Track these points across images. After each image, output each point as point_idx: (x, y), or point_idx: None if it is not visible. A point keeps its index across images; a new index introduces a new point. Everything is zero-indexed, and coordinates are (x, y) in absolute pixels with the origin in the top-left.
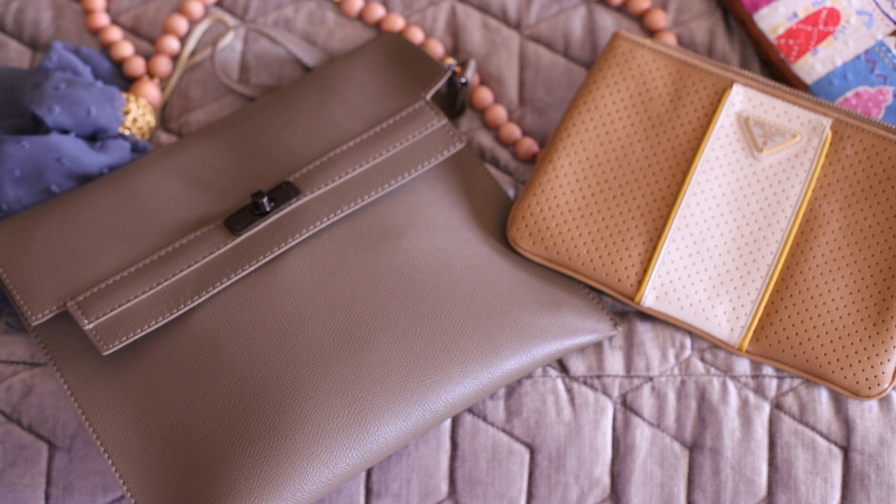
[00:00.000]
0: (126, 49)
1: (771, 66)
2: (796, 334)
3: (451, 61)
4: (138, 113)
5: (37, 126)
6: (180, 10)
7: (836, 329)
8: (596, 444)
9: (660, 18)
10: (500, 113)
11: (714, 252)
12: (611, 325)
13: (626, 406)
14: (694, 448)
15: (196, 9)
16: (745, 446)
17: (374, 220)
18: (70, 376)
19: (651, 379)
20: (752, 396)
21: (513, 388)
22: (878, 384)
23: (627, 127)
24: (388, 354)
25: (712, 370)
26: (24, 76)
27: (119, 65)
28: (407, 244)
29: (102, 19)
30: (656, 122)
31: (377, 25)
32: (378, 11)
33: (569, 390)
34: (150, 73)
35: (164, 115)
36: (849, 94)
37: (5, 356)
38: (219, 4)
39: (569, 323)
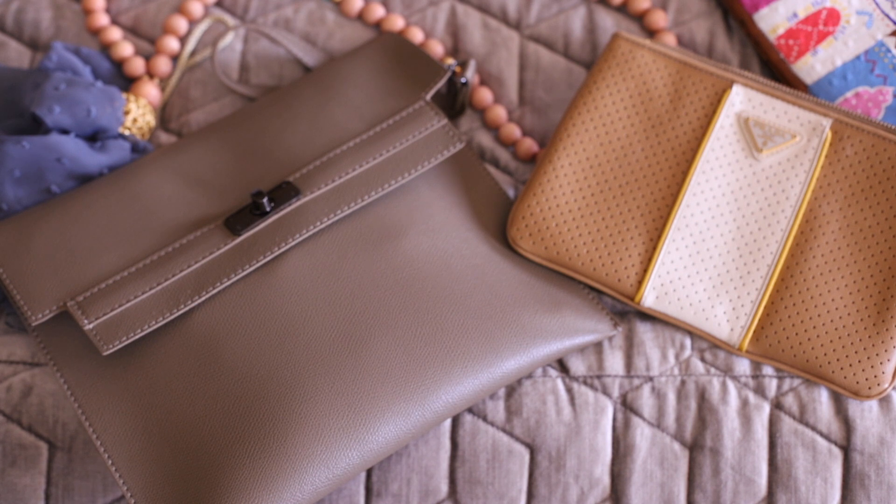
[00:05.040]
0: (126, 49)
1: (771, 66)
2: (796, 334)
3: (451, 61)
4: (138, 113)
5: (37, 126)
6: (180, 10)
7: (836, 329)
8: (596, 444)
9: (660, 18)
10: (500, 113)
11: (714, 252)
12: (611, 325)
13: (626, 406)
14: (694, 448)
15: (196, 9)
16: (745, 446)
17: (375, 221)
18: (70, 376)
19: (651, 379)
20: (752, 396)
21: (513, 388)
22: (878, 384)
23: (627, 127)
24: (388, 354)
25: (712, 370)
26: (24, 76)
27: (119, 65)
28: (407, 244)
29: (102, 19)
30: (656, 123)
31: (377, 25)
32: (378, 11)
33: (569, 390)
34: (150, 73)
35: (164, 115)
36: (849, 94)
37: (5, 356)
38: (219, 4)
39: (569, 323)
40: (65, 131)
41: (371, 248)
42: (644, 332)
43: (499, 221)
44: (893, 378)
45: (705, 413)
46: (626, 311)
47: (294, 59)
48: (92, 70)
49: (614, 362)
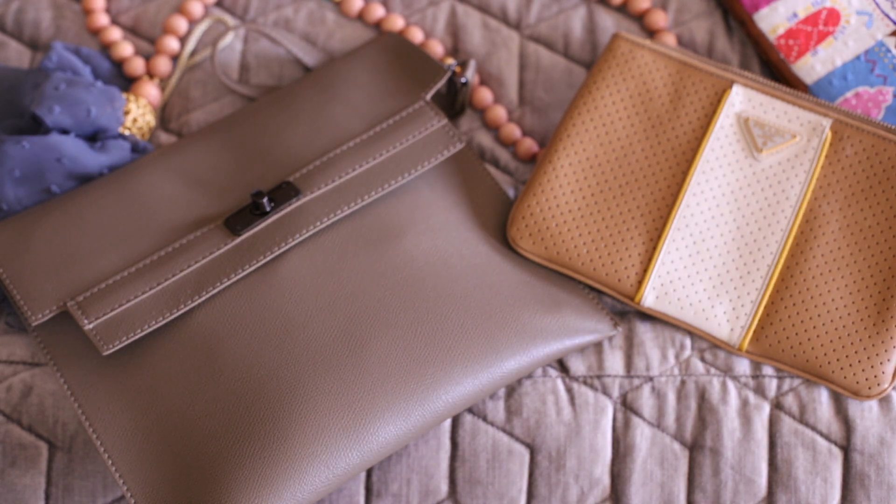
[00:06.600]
0: (126, 49)
1: (771, 66)
2: (796, 334)
3: (451, 61)
4: (138, 113)
5: (37, 126)
6: (180, 10)
7: (836, 329)
8: (596, 444)
9: (660, 18)
10: (500, 113)
11: (714, 252)
12: (611, 325)
13: (626, 406)
14: (694, 448)
15: (196, 9)
16: (745, 446)
17: (375, 221)
18: (70, 376)
19: (651, 379)
20: (752, 396)
21: (513, 388)
22: (878, 384)
23: (627, 127)
24: (388, 354)
25: (712, 370)
26: (24, 76)
27: (119, 65)
28: (407, 244)
29: (102, 19)
30: (656, 123)
31: (377, 25)
32: (378, 11)
33: (569, 390)
34: (150, 73)
35: (164, 115)
36: (849, 94)
37: (5, 356)
38: (219, 4)
39: (569, 323)
40: (65, 131)
41: (371, 247)
42: (644, 332)
43: (499, 221)
44: (893, 378)
45: (705, 413)
46: (626, 311)
47: (294, 59)
48: (92, 70)
49: (614, 362)
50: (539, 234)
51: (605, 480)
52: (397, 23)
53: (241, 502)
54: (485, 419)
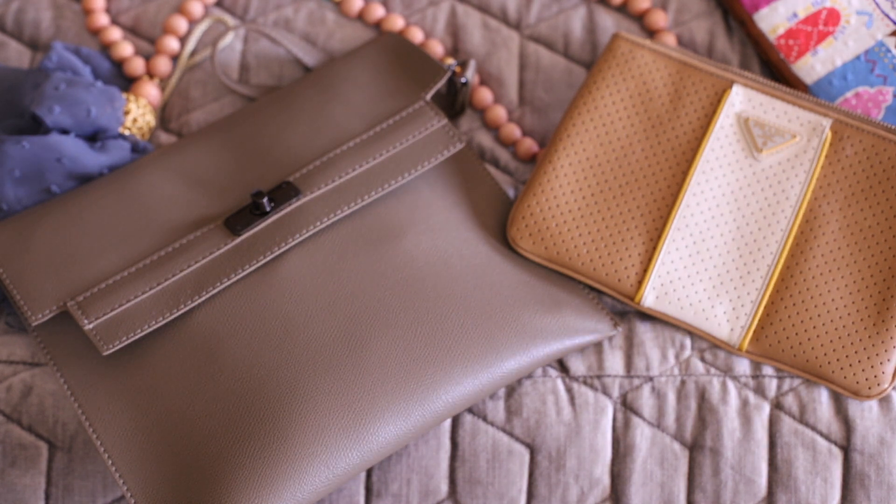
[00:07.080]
0: (126, 49)
1: (771, 66)
2: (796, 334)
3: (451, 61)
4: (138, 113)
5: (37, 126)
6: (180, 10)
7: (836, 329)
8: (596, 444)
9: (660, 18)
10: (500, 113)
11: (714, 252)
12: (611, 325)
13: (626, 406)
14: (694, 448)
15: (196, 9)
16: (745, 446)
17: (375, 220)
18: (70, 376)
19: (651, 379)
20: (752, 396)
21: (513, 388)
22: (878, 384)
23: (627, 127)
24: (388, 354)
25: (712, 370)
26: (24, 76)
27: (119, 65)
28: (407, 244)
29: (102, 19)
30: (656, 123)
31: (377, 25)
32: (378, 11)
33: (569, 390)
34: (150, 73)
35: (164, 115)
36: (849, 94)
37: (5, 356)
38: (219, 4)
39: (569, 323)
40: (65, 131)
41: (371, 247)
42: (644, 332)
43: (499, 221)
44: (893, 378)
45: (705, 413)
46: (626, 311)
47: (294, 59)
48: (92, 70)
49: (614, 362)
50: (539, 234)
51: (605, 480)
52: (397, 23)
53: (241, 502)
54: (485, 419)
